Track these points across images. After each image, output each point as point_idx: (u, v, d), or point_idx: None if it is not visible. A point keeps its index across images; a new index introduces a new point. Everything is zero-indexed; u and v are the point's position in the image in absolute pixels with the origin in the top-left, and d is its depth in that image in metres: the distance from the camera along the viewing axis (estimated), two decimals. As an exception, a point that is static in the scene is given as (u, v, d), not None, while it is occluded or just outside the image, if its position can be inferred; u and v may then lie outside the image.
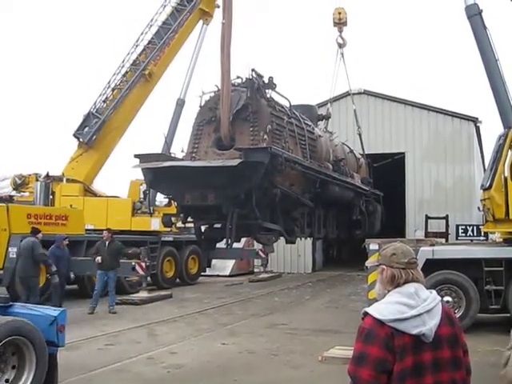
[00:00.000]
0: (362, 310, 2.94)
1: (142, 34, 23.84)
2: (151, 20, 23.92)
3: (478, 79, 57.04)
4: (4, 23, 79.87)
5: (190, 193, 14.21)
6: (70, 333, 11.87)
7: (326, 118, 21.92)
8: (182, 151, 15.77)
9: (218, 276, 25.21)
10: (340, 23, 24.04)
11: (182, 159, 15.37)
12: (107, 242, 15.65)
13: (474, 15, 17.94)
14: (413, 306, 2.81)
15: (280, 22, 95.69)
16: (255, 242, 22.00)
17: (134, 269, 16.90)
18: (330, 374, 8.52)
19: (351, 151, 22.30)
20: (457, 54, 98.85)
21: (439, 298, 2.96)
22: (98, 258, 15.24)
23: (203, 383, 8.55)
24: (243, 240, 21.11)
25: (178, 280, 21.96)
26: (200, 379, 8.69)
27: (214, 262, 24.21)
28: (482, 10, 17.88)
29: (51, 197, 20.22)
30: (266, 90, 15.33)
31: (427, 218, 26.94)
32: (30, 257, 14.20)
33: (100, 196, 22.76)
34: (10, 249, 15.57)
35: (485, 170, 19.06)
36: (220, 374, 8.93)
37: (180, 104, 27.34)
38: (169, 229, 19.21)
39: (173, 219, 16.48)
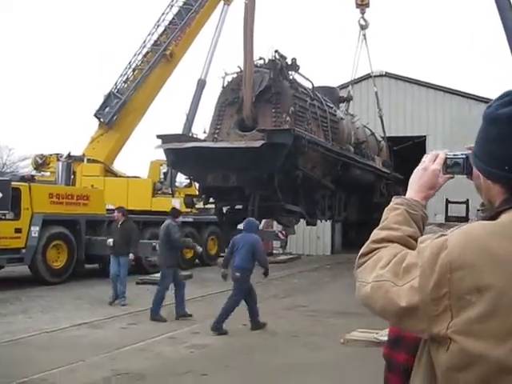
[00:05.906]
0: None
1: (163, 14, 23.84)
2: (172, 0, 23.86)
3: (505, 61, 56.22)
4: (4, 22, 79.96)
5: (212, 174, 14.21)
6: (93, 312, 12.15)
7: (348, 100, 21.71)
8: (204, 132, 15.76)
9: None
10: (362, 4, 23.76)
11: (204, 140, 15.36)
12: (119, 223, 13.63)
13: None
14: None
15: (302, 3, 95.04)
16: (274, 224, 21.97)
17: (154, 249, 16.98)
18: (352, 357, 8.50)
19: (372, 134, 22.14)
20: (485, 36, 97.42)
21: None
22: (110, 241, 13.47)
23: (225, 364, 8.57)
24: (263, 221, 21.13)
25: (197, 261, 22.02)
26: (222, 360, 8.71)
27: (233, 243, 24.15)
28: None
29: (72, 177, 20.35)
30: (289, 72, 15.24)
31: (447, 202, 26.63)
32: (166, 242, 11.93)
33: (120, 176, 22.86)
34: (32, 228, 15.70)
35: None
36: (242, 355, 8.97)
37: (201, 85, 27.20)
38: (189, 210, 19.25)
39: (194, 200, 16.52)
